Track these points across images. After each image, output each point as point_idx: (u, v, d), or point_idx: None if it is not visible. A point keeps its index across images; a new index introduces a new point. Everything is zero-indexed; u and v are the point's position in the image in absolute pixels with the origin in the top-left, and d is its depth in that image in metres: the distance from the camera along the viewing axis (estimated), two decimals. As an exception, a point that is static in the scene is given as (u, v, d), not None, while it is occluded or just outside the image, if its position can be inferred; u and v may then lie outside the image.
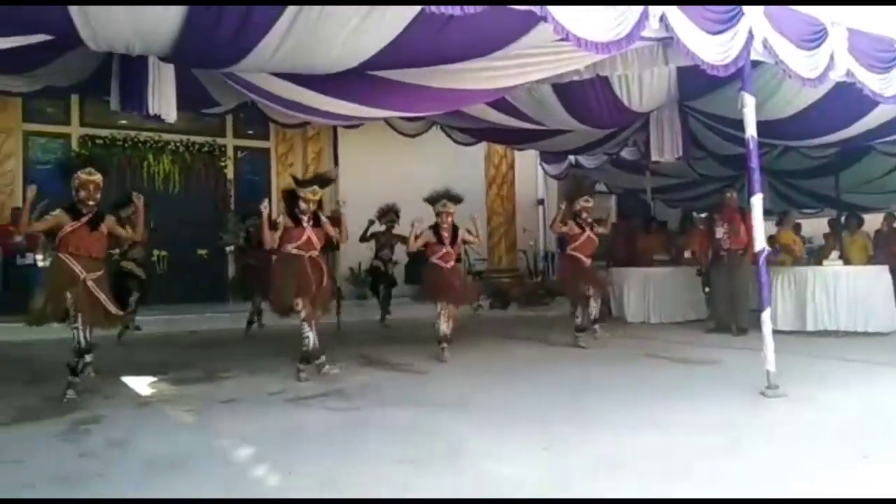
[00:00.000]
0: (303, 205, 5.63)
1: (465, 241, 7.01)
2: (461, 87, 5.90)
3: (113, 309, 5.14)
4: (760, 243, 5.04)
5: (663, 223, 11.64)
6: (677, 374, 5.82)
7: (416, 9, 4.11)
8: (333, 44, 4.67)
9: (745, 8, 4.86)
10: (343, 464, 3.38)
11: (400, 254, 10.42)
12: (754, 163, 5.02)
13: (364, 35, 4.55)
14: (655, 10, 4.47)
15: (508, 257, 12.83)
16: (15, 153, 10.42)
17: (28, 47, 4.81)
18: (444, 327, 6.50)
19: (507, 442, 3.75)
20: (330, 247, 8.18)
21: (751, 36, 4.89)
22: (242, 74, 5.67)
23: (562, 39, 4.80)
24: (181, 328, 8.43)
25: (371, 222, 8.86)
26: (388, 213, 9.12)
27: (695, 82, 6.82)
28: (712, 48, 4.83)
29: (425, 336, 6.91)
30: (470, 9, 3.69)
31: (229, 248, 10.88)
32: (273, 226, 5.60)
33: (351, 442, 3.81)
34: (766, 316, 4.93)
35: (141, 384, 5.53)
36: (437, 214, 6.64)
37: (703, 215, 11.51)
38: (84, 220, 4.95)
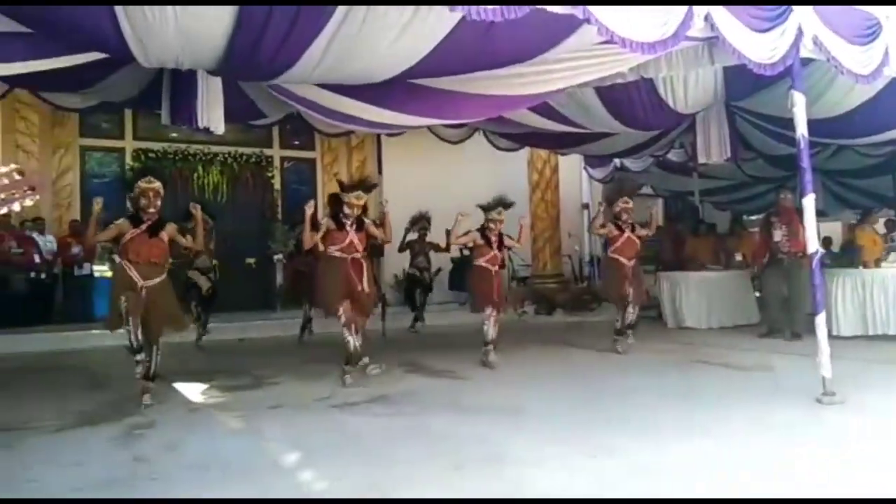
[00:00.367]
0: (347, 209, 5.73)
1: (507, 247, 7.01)
2: (503, 93, 5.89)
3: (170, 315, 5.29)
4: (814, 245, 4.89)
5: (712, 226, 11.40)
6: (728, 381, 5.68)
7: (457, 16, 4.13)
8: (375, 54, 4.73)
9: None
10: (388, 469, 3.40)
11: (445, 261, 10.50)
12: (805, 163, 4.88)
13: (405, 44, 4.59)
14: (700, 10, 4.39)
15: (553, 262, 12.70)
16: (73, 167, 10.80)
17: (84, 65, 5.02)
18: (493, 331, 6.51)
19: (551, 448, 3.72)
20: (375, 253, 8.30)
21: (800, 33, 4.76)
22: (287, 86, 5.78)
23: (605, 42, 4.78)
24: (231, 336, 8.60)
25: (407, 231, 8.94)
26: (420, 221, 9.16)
27: (742, 81, 6.68)
28: (759, 47, 4.72)
29: (468, 343, 6.91)
30: (511, 14, 3.69)
31: (277, 257, 11.08)
32: (315, 226, 5.71)
33: (396, 447, 3.83)
34: (820, 319, 4.78)
35: (192, 390, 5.66)
36: (490, 221, 6.66)
37: (754, 217, 11.24)
38: (143, 227, 5.12)
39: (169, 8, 3.98)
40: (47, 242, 9.62)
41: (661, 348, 7.53)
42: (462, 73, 5.39)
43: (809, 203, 4.88)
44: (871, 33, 5.12)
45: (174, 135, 10.83)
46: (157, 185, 5.22)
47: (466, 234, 6.65)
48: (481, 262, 6.67)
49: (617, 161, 11.36)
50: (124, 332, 5.10)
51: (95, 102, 7.79)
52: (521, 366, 6.63)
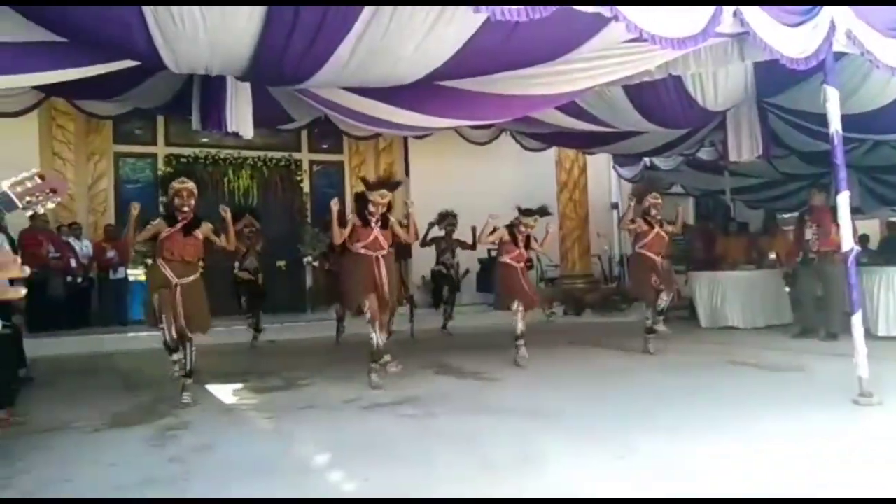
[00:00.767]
0: (371, 207, 5.78)
1: (532, 248, 7.05)
2: (530, 93, 5.87)
3: (199, 314, 5.39)
4: (849, 243, 4.78)
5: (744, 225, 11.23)
6: (761, 381, 5.58)
7: (482, 17, 4.12)
8: (400, 57, 4.74)
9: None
10: (418, 470, 3.41)
11: (473, 262, 10.50)
12: (840, 159, 4.77)
13: (430, 47, 4.59)
14: (729, 8, 4.33)
15: (582, 262, 12.62)
16: (107, 173, 11.03)
17: (117, 73, 5.12)
18: (522, 325, 6.55)
19: (581, 450, 3.69)
20: (403, 255, 8.33)
21: (833, 27, 4.66)
22: (315, 90, 5.83)
23: (633, 40, 4.74)
24: (262, 337, 8.69)
25: (431, 226, 8.90)
26: (447, 218, 9.14)
27: (773, 77, 6.57)
28: (791, 41, 4.62)
29: (498, 343, 6.90)
30: (536, 14, 3.67)
31: (307, 260, 11.19)
32: (342, 223, 5.77)
33: (425, 448, 3.83)
34: (857, 319, 4.67)
35: (225, 391, 5.74)
36: (523, 224, 6.72)
37: (787, 216, 11.05)
38: (179, 225, 5.27)
39: (198, 15, 4.03)
40: (83, 247, 9.83)
41: (693, 349, 7.43)
42: (488, 74, 5.38)
43: (844, 200, 4.78)
44: (909, 25, 5.00)
45: (205, 140, 11.01)
46: (191, 185, 5.38)
47: (493, 231, 6.69)
48: (507, 258, 6.76)
49: (646, 160, 11.26)
50: (160, 331, 5.24)
51: (129, 109, 7.98)
52: (551, 367, 6.60)
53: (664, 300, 7.02)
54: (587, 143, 9.61)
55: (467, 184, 11.12)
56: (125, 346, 8.44)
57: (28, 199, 2.46)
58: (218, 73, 5.19)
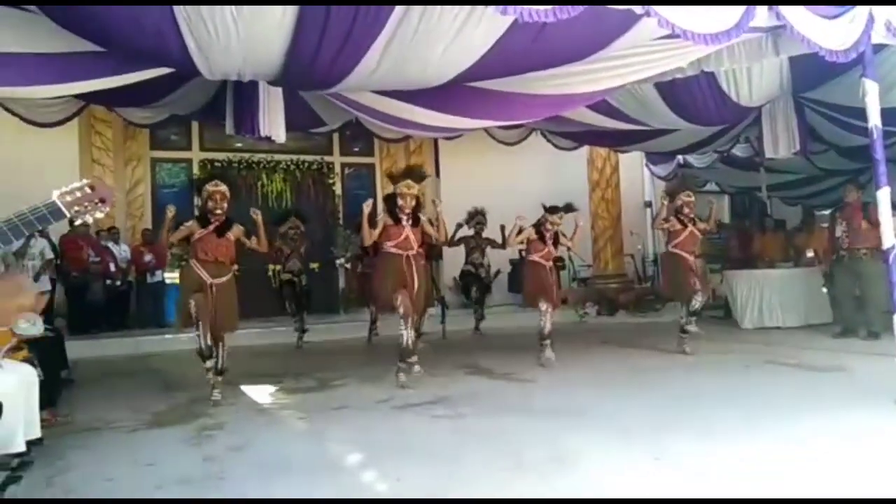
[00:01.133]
0: (400, 201, 5.80)
1: (562, 245, 7.06)
2: (560, 93, 5.84)
3: (231, 314, 5.51)
4: (889, 240, 4.65)
5: (781, 222, 11.01)
6: (800, 382, 5.47)
7: (510, 18, 4.11)
8: (429, 59, 4.75)
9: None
10: (449, 470, 3.41)
11: (504, 263, 10.47)
12: (879, 154, 4.65)
13: (459, 47, 4.60)
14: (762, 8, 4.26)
15: (615, 262, 12.50)
16: (144, 179, 11.27)
17: (153, 81, 5.25)
18: (549, 325, 6.55)
19: (614, 451, 3.66)
20: (434, 255, 8.35)
21: (871, 18, 4.55)
22: (345, 93, 5.88)
23: (664, 37, 4.69)
24: (293, 339, 8.77)
25: (459, 226, 8.84)
26: (476, 217, 9.09)
27: (810, 72, 6.44)
28: (829, 33, 4.52)
29: (530, 344, 6.86)
30: (563, 14, 3.65)
31: (339, 262, 11.27)
32: (372, 223, 5.83)
33: (457, 449, 3.84)
34: (898, 318, 4.55)
35: (259, 392, 5.81)
36: (550, 222, 6.76)
37: (826, 212, 10.80)
38: (211, 227, 5.39)
39: (230, 22, 4.10)
40: (122, 251, 10.04)
41: (729, 348, 7.31)
42: (517, 74, 5.36)
43: (885, 196, 4.65)
44: (950, 15, 4.84)
45: (238, 144, 11.16)
46: (223, 187, 5.49)
47: (520, 232, 6.73)
48: (535, 257, 6.80)
49: (680, 157, 11.11)
50: (194, 337, 5.34)
51: (165, 116, 8.15)
52: (584, 367, 6.55)
53: (698, 301, 6.93)
54: (619, 141, 9.52)
55: (498, 184, 11.10)
56: (162, 348, 8.60)
57: (77, 208, 2.54)
58: (250, 79, 5.27)
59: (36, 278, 8.42)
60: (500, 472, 3.35)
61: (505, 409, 4.86)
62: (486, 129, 8.92)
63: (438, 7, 4.17)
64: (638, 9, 3.85)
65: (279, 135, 5.82)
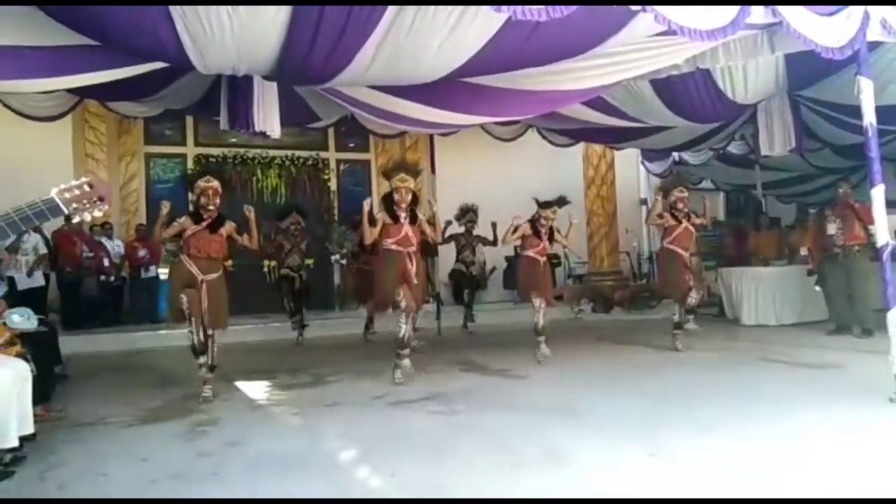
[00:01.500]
0: (396, 196, 5.80)
1: (557, 241, 7.06)
2: (555, 89, 5.83)
3: (221, 310, 5.47)
4: (884, 237, 4.67)
5: (775, 220, 11.04)
6: (794, 379, 5.48)
7: (504, 16, 4.10)
8: (424, 55, 4.74)
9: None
10: (444, 466, 3.41)
11: (499, 260, 10.46)
12: (874, 152, 4.66)
13: (454, 42, 4.58)
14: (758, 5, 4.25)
15: (610, 259, 12.50)
16: (138, 174, 11.21)
17: (147, 75, 5.22)
18: (542, 321, 6.59)
19: (609, 447, 3.66)
20: (430, 253, 8.32)
21: (866, 16, 4.55)
22: (340, 88, 5.86)
23: (659, 34, 4.68)
24: (290, 335, 8.75)
25: (448, 223, 8.62)
26: (468, 214, 9.00)
27: (805, 69, 6.45)
28: (826, 31, 4.52)
29: (524, 341, 6.87)
30: (556, 13, 3.64)
31: (334, 258, 11.25)
32: (372, 221, 5.85)
33: (452, 445, 3.84)
34: (892, 316, 4.56)
35: (253, 388, 5.81)
36: (544, 217, 6.78)
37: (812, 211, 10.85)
38: (204, 223, 5.37)
39: (225, 16, 4.08)
40: (115, 246, 10.00)
41: (724, 345, 7.33)
42: (512, 70, 5.35)
43: (879, 194, 4.66)
44: (945, 13, 4.85)
45: (233, 140, 11.12)
46: (216, 184, 5.47)
47: (516, 230, 6.73)
48: (530, 252, 6.82)
49: (675, 155, 11.13)
50: (187, 333, 5.33)
51: (159, 111, 8.10)
52: (579, 364, 6.56)
53: (694, 298, 6.94)
54: (615, 138, 9.52)
55: (494, 180, 11.10)
56: (156, 344, 8.58)
57: (75, 205, 2.54)
58: (245, 73, 5.25)
59: (29, 273, 8.42)
60: (495, 467, 3.36)
61: (500, 405, 4.86)
62: (482, 126, 8.90)
63: (433, 6, 4.16)
64: (634, 6, 3.84)
65: (274, 130, 5.80)
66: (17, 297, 6.83)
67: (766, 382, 5.34)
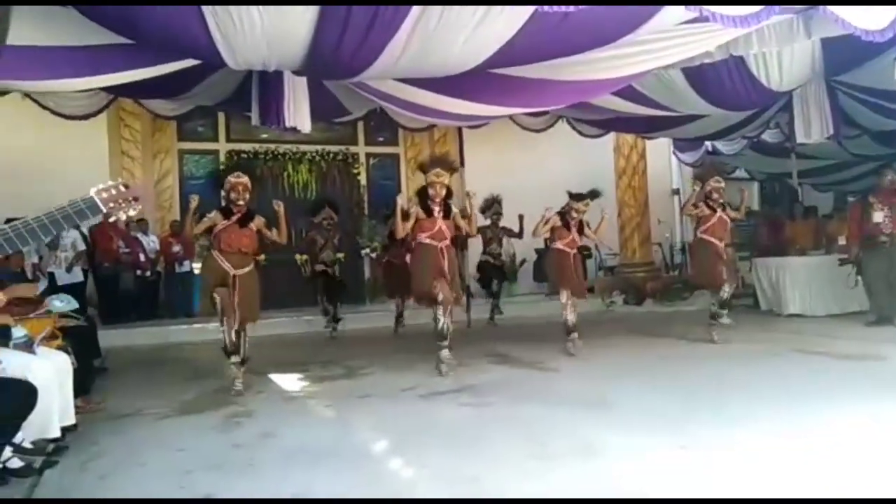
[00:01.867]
0: (431, 190, 5.82)
1: (585, 235, 6.98)
2: (585, 79, 5.78)
3: (253, 304, 5.54)
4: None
5: (811, 209, 10.81)
6: (831, 371, 5.36)
7: (532, 7, 4.08)
8: (452, 47, 4.73)
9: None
10: (475, 459, 3.41)
11: (529, 252, 10.42)
12: (915, 138, 4.54)
13: (482, 35, 4.57)
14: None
15: (642, 250, 12.35)
16: (172, 170, 11.40)
17: (179, 72, 5.30)
18: (572, 317, 6.53)
19: (640, 440, 3.63)
20: (460, 245, 8.32)
21: (907, -3, 4.42)
22: (369, 82, 5.88)
23: (692, 21, 4.61)
24: (322, 329, 8.83)
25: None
26: (493, 206, 8.94)
27: (842, 54, 6.29)
28: (865, 13, 4.39)
29: (555, 333, 6.84)
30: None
31: (365, 251, 11.31)
32: (405, 216, 5.88)
33: (482, 437, 3.84)
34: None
35: (287, 380, 5.87)
36: (575, 210, 6.72)
37: (852, 199, 10.60)
38: (234, 218, 5.44)
39: (255, 13, 4.13)
40: (150, 242, 10.19)
41: (759, 337, 7.21)
42: (541, 61, 5.31)
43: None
44: None
45: (264, 135, 11.22)
46: (245, 179, 5.52)
47: (547, 222, 6.66)
48: (559, 244, 6.76)
49: (708, 144, 10.95)
50: (220, 332, 5.41)
51: (191, 107, 8.23)
52: (611, 357, 6.51)
53: (727, 291, 6.84)
54: (646, 128, 9.42)
55: (524, 172, 11.05)
56: (191, 337, 8.73)
57: (112, 204, 2.67)
58: (276, 68, 5.30)
59: (69, 269, 8.63)
60: (525, 459, 3.35)
61: (530, 397, 4.85)
62: (511, 117, 8.85)
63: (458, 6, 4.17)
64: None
65: (304, 125, 5.84)
66: (57, 293, 7.00)
67: (801, 374, 5.24)
